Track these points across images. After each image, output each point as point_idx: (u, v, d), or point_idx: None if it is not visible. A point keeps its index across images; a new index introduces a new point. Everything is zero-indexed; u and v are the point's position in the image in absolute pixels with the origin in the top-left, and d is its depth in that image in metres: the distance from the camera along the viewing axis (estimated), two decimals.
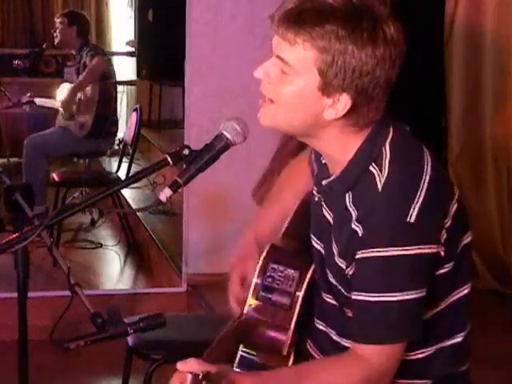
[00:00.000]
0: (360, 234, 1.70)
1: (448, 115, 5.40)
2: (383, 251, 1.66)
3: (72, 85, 6.19)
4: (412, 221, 1.66)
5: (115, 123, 6.32)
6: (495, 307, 4.94)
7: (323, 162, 1.84)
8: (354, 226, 1.72)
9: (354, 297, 1.73)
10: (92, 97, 6.08)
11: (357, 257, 1.71)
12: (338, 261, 1.77)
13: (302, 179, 2.04)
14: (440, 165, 1.77)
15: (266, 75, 1.73)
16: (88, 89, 6.12)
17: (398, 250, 1.66)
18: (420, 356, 1.82)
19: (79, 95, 6.14)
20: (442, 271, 1.75)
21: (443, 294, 1.80)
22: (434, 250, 1.69)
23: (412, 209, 1.66)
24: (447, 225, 1.72)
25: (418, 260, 1.67)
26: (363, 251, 1.69)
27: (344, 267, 1.76)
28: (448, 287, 1.81)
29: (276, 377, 1.73)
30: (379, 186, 1.70)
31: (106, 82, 6.12)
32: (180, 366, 1.59)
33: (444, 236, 1.71)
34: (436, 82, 5.37)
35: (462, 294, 1.83)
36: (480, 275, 5.20)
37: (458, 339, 1.86)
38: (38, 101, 6.36)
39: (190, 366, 1.56)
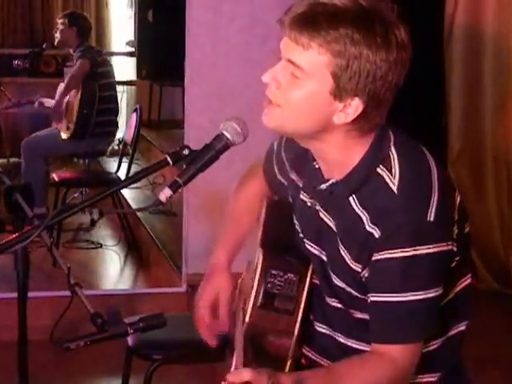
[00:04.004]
0: (377, 236, 1.69)
1: (448, 115, 5.40)
2: (406, 251, 1.67)
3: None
4: (431, 219, 1.67)
5: (114, 123, 6.30)
6: (495, 307, 4.94)
7: (316, 166, 1.82)
8: (368, 228, 1.71)
9: (372, 298, 1.73)
10: (75, 98, 6.06)
11: (375, 258, 1.70)
12: (352, 264, 1.76)
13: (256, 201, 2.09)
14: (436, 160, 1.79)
15: (274, 80, 1.70)
16: (72, 91, 6.11)
17: (420, 250, 1.66)
18: (431, 348, 1.84)
19: (66, 98, 6.14)
20: (452, 265, 1.76)
21: (451, 285, 1.82)
22: (450, 247, 1.71)
23: (430, 208, 1.67)
24: (455, 218, 1.74)
25: (438, 258, 1.68)
26: (383, 252, 1.68)
27: (360, 270, 1.75)
28: (455, 278, 1.82)
29: (311, 376, 1.72)
30: (393, 188, 1.69)
31: (90, 84, 6.05)
32: (233, 377, 1.58)
33: (455, 231, 1.73)
34: (436, 82, 5.38)
35: (466, 282, 1.86)
36: (480, 275, 5.21)
37: (463, 327, 1.89)
38: (45, 101, 6.36)
39: (244, 376, 1.57)
